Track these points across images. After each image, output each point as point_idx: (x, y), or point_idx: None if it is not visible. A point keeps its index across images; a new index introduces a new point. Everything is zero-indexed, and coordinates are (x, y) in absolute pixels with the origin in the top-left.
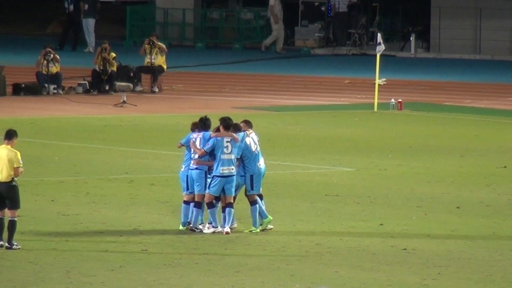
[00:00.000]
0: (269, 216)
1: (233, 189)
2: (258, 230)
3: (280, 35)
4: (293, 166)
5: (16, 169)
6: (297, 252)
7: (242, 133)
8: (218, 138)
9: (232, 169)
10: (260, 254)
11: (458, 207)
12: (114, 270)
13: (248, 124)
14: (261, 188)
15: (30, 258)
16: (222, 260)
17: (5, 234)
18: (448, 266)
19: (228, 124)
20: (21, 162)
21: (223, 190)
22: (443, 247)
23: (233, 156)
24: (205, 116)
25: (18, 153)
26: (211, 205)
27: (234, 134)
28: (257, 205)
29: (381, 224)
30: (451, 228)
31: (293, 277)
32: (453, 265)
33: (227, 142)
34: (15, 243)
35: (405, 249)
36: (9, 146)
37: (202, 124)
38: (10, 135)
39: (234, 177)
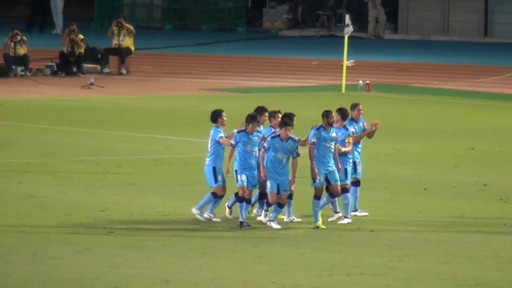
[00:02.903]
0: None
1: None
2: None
3: (382, 19)
4: None
5: None
6: (264, 234)
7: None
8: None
9: None
10: (227, 236)
11: (425, 189)
12: (80, 252)
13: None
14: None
15: None
16: (189, 242)
17: None
18: (415, 247)
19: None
20: None
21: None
22: (410, 229)
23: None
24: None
25: None
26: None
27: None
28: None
29: None
30: (418, 209)
31: (261, 259)
32: (420, 247)
33: None
34: None
35: (372, 231)
36: None
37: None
38: None
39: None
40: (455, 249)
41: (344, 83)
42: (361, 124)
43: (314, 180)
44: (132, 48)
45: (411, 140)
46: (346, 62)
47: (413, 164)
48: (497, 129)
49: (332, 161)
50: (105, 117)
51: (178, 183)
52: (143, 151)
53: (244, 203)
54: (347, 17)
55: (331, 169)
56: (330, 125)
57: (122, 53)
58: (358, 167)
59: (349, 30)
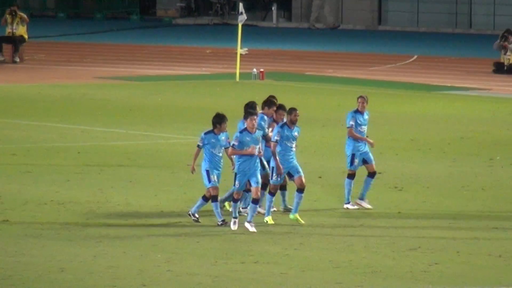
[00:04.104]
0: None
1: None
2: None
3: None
4: (154, 136)
5: None
6: (159, 222)
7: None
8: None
9: None
10: (122, 225)
11: (320, 177)
12: None
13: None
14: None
15: None
16: (84, 230)
17: None
18: (310, 235)
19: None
20: None
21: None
22: (305, 218)
23: None
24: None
25: None
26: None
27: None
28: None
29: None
30: (313, 198)
31: (155, 247)
32: (315, 235)
33: None
34: None
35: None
36: None
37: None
38: None
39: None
40: (350, 237)
41: (238, 71)
42: (366, 117)
43: (278, 175)
44: (26, 36)
45: (305, 128)
46: (240, 50)
47: (308, 153)
48: (391, 117)
49: (293, 158)
50: None
51: (73, 171)
52: (37, 139)
53: (204, 201)
54: (241, 5)
55: (292, 165)
56: (293, 123)
57: (16, 41)
58: (355, 160)
59: (242, 18)
